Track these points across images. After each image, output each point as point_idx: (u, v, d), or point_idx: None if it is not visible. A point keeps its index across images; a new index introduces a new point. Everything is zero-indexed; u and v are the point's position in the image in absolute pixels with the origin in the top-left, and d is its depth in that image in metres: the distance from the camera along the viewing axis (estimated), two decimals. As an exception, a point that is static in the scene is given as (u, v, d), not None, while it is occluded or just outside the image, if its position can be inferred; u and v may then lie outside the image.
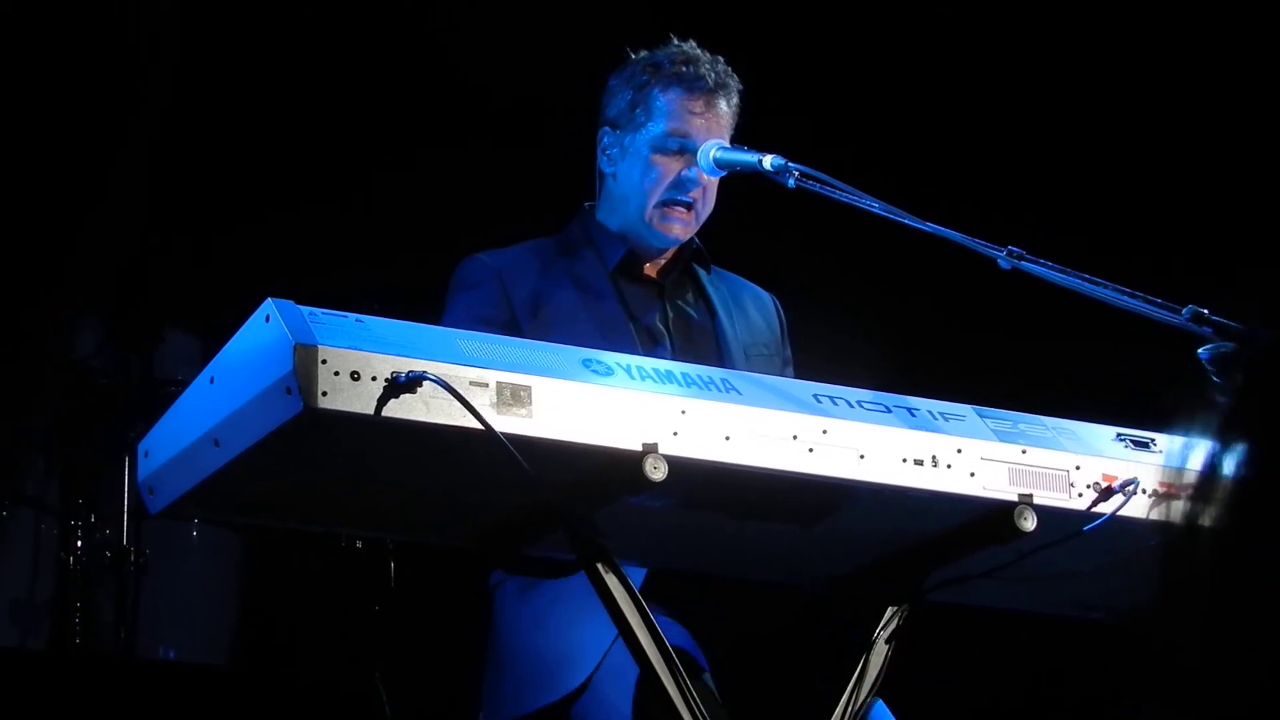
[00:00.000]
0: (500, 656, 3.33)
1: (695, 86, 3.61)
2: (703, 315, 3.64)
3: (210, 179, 5.92)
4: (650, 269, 3.66)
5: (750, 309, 3.71)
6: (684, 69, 3.62)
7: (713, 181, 3.61)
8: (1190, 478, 1.36)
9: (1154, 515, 2.73)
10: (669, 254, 3.67)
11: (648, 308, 3.60)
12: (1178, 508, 1.37)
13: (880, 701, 3.17)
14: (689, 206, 3.60)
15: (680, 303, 3.64)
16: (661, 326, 3.58)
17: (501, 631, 3.35)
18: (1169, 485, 2.67)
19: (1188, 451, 1.38)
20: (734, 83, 3.65)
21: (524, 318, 3.48)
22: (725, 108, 3.63)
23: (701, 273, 3.70)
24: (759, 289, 3.78)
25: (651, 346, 3.52)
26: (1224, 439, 1.35)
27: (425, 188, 5.87)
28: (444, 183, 5.85)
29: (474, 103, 5.86)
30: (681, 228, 3.61)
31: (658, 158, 3.61)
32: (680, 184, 3.59)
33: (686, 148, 3.58)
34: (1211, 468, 1.35)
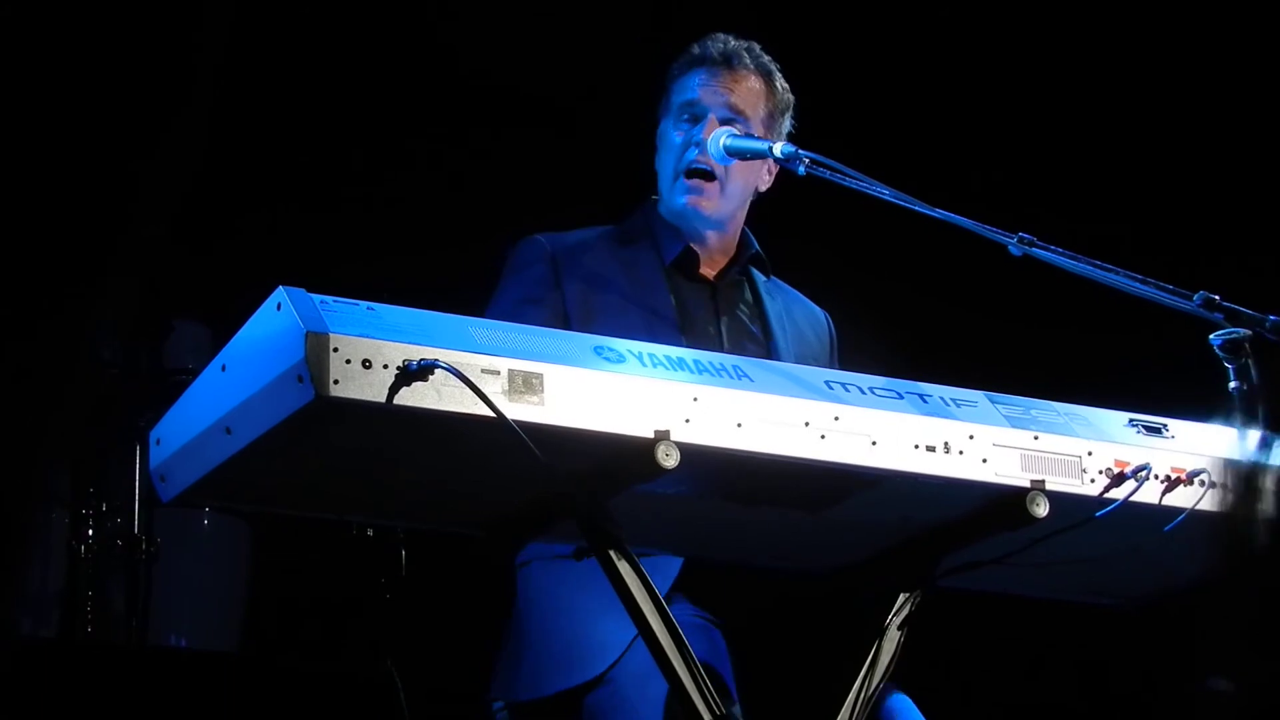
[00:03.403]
0: (521, 637, 3.32)
1: (703, 59, 3.66)
2: (757, 324, 3.63)
3: (220, 169, 5.92)
4: (707, 268, 3.65)
5: (802, 323, 3.71)
6: (695, 48, 3.68)
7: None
8: (1245, 468, 1.36)
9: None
10: (725, 255, 3.66)
11: (699, 308, 3.60)
12: (1234, 497, 1.37)
13: (904, 695, 3.17)
14: (704, 175, 3.59)
15: (734, 307, 3.64)
16: (712, 329, 3.58)
17: (525, 611, 3.34)
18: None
19: (1243, 442, 1.39)
20: (750, 56, 3.66)
21: (572, 304, 3.48)
22: (742, 77, 3.65)
23: (760, 279, 3.70)
24: (814, 305, 3.78)
25: (700, 347, 3.49)
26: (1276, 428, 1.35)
27: (437, 182, 5.87)
28: (456, 178, 5.85)
29: (485, 98, 5.85)
30: (696, 197, 3.59)
31: (673, 132, 3.64)
32: (691, 146, 3.60)
33: (696, 114, 3.62)
34: (1264, 456, 1.35)
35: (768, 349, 3.59)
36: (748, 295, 3.68)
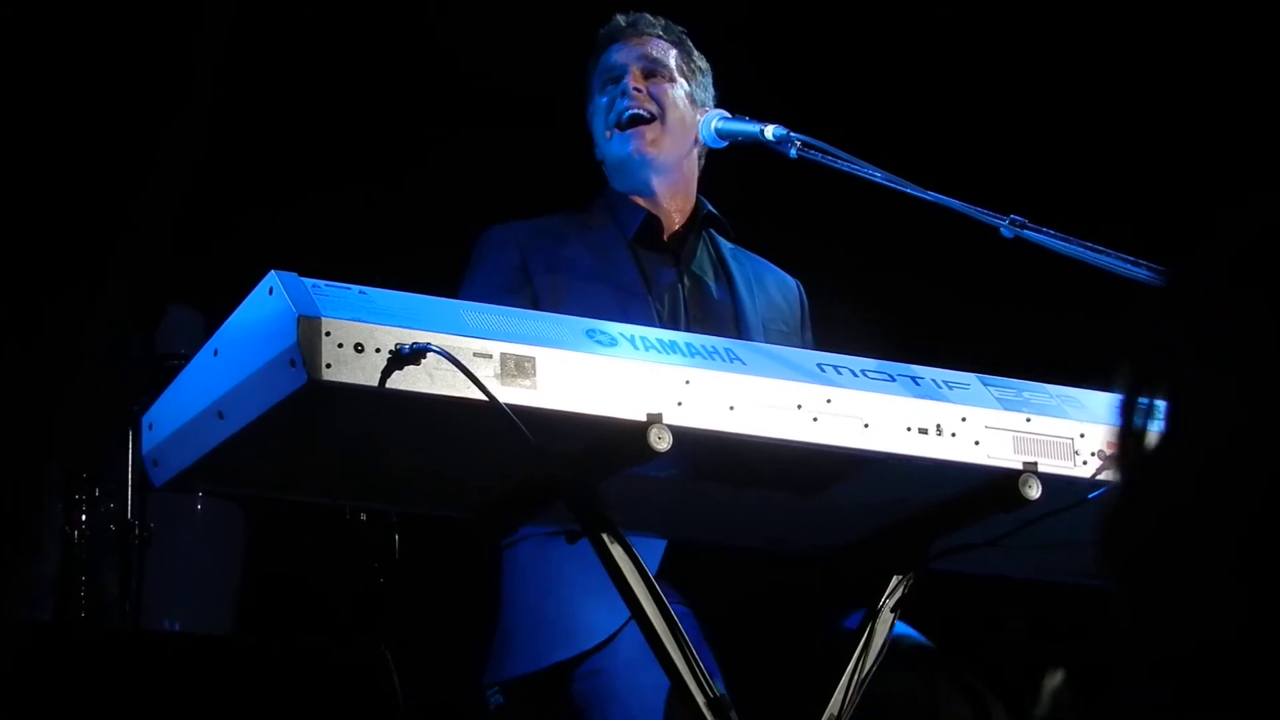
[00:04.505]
0: (511, 616, 3.33)
1: (610, 34, 3.76)
2: (721, 287, 3.64)
3: (212, 156, 5.91)
4: (668, 235, 3.67)
5: (772, 289, 3.72)
6: (601, 30, 3.77)
7: (660, 88, 3.63)
8: (1121, 434, 1.36)
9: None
10: (683, 216, 3.68)
11: (663, 275, 3.61)
12: (1114, 466, 1.37)
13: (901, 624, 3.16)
14: (640, 121, 3.63)
15: (697, 272, 3.65)
16: (678, 295, 3.59)
17: (513, 591, 3.35)
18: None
19: (1118, 408, 1.38)
20: (656, 22, 3.76)
21: (541, 286, 3.49)
22: (651, 36, 3.74)
23: (724, 246, 3.71)
24: (784, 274, 3.80)
25: (667, 315, 3.52)
26: (1142, 393, 1.35)
27: (436, 181, 5.87)
28: (455, 177, 5.85)
29: (485, 98, 5.85)
30: (639, 142, 3.64)
31: (599, 98, 3.71)
32: (619, 98, 3.66)
33: (616, 75, 3.69)
34: (1134, 423, 1.34)
35: (734, 309, 3.60)
36: (711, 258, 3.69)
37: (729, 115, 3.59)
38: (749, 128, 3.50)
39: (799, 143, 3.34)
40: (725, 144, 3.62)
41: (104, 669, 4.99)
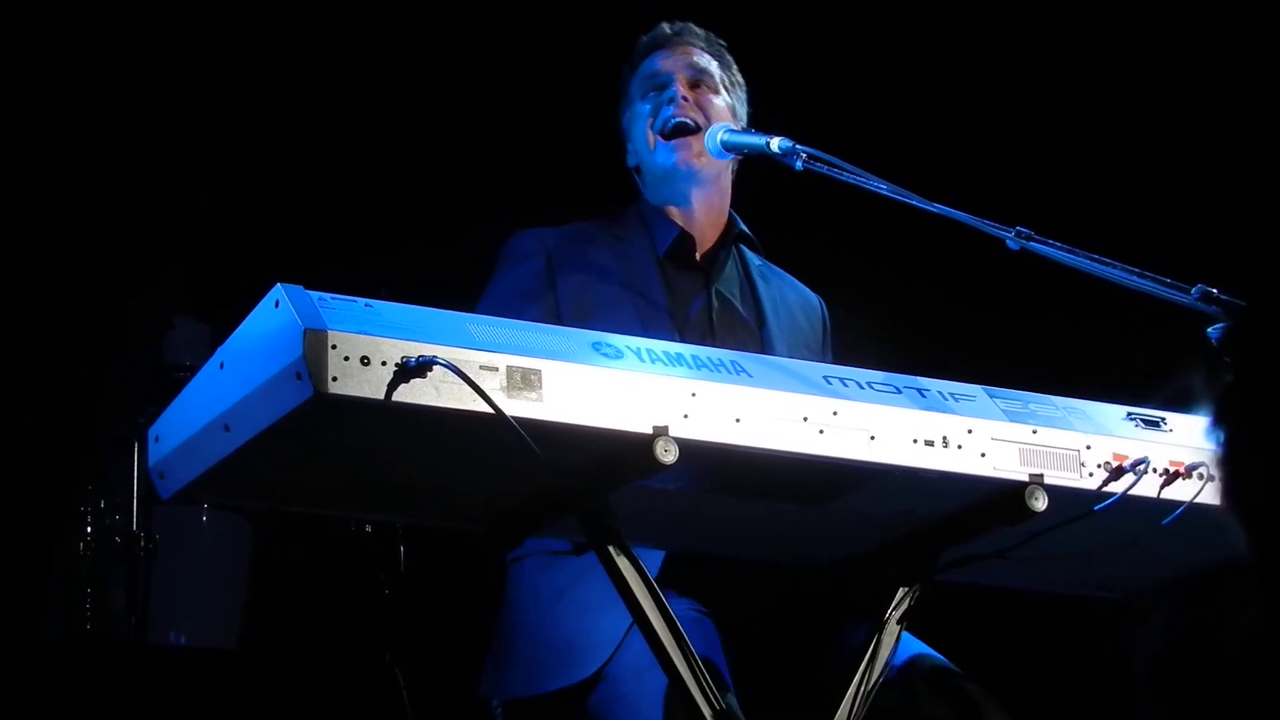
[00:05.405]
0: (513, 634, 3.32)
1: (654, 40, 3.73)
2: (750, 311, 3.62)
3: (216, 164, 5.91)
4: (699, 252, 3.65)
5: (795, 308, 3.70)
6: (645, 37, 3.75)
7: (706, 99, 3.63)
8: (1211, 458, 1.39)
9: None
10: (716, 231, 3.66)
11: (692, 296, 3.59)
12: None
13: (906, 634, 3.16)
14: (685, 131, 3.60)
15: (726, 293, 3.62)
16: (705, 317, 3.57)
17: (516, 608, 3.34)
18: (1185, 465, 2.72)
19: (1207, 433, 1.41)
20: (701, 32, 3.72)
21: (566, 297, 3.47)
22: (697, 47, 3.72)
23: (752, 262, 3.69)
24: (807, 291, 3.77)
25: (692, 337, 3.49)
26: (1214, 422, 1.36)
27: (436, 181, 5.87)
28: (456, 177, 5.85)
29: (485, 98, 5.86)
30: (685, 153, 3.61)
31: (642, 104, 3.68)
32: (664, 105, 3.63)
33: (662, 82, 3.66)
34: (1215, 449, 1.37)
35: (760, 336, 3.58)
36: (740, 280, 3.67)
37: (734, 127, 3.58)
38: (755, 140, 3.49)
39: (804, 155, 3.34)
40: (731, 156, 3.61)
41: (110, 682, 4.99)
